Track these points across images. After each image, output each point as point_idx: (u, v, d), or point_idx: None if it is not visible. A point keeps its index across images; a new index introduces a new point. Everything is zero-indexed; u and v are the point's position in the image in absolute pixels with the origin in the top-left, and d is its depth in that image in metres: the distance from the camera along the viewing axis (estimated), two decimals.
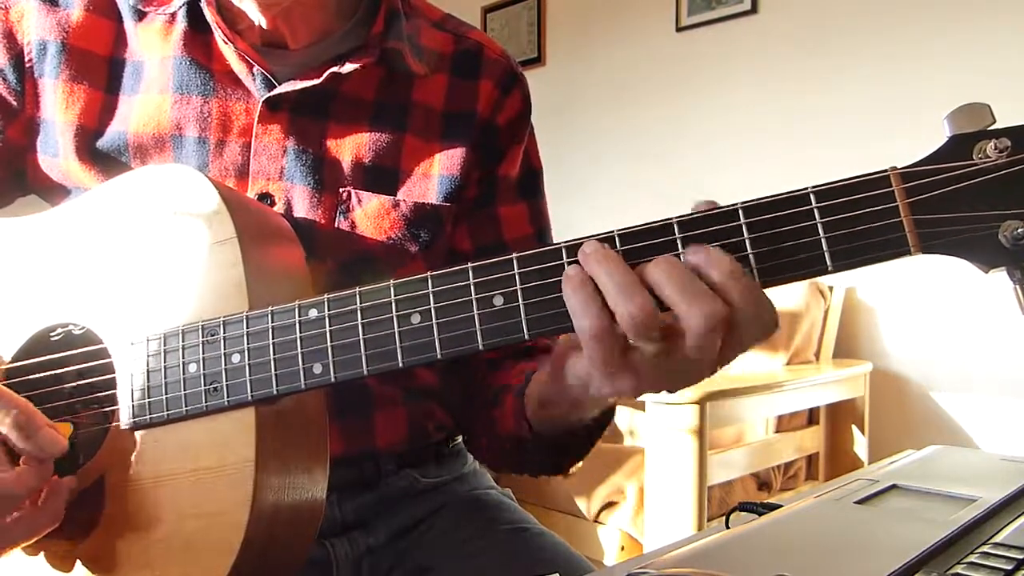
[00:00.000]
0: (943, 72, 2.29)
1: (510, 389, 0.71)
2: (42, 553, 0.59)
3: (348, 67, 0.72)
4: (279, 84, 0.72)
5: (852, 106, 2.47)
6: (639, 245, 0.48)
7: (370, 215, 0.74)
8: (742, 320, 0.46)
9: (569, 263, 0.48)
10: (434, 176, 0.77)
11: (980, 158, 0.43)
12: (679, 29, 2.90)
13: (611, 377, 0.48)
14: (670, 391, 0.51)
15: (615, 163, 3.10)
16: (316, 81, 0.71)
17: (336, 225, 0.73)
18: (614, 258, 0.47)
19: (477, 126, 0.78)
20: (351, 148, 0.74)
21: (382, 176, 0.75)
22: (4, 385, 0.62)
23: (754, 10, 2.71)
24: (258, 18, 0.72)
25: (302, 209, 0.72)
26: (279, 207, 0.72)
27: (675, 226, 0.47)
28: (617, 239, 0.48)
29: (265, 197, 0.72)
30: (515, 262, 0.49)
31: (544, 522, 0.83)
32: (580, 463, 0.74)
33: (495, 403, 0.74)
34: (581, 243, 0.48)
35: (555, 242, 0.63)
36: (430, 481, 0.82)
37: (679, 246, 0.47)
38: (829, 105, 2.52)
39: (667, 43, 2.94)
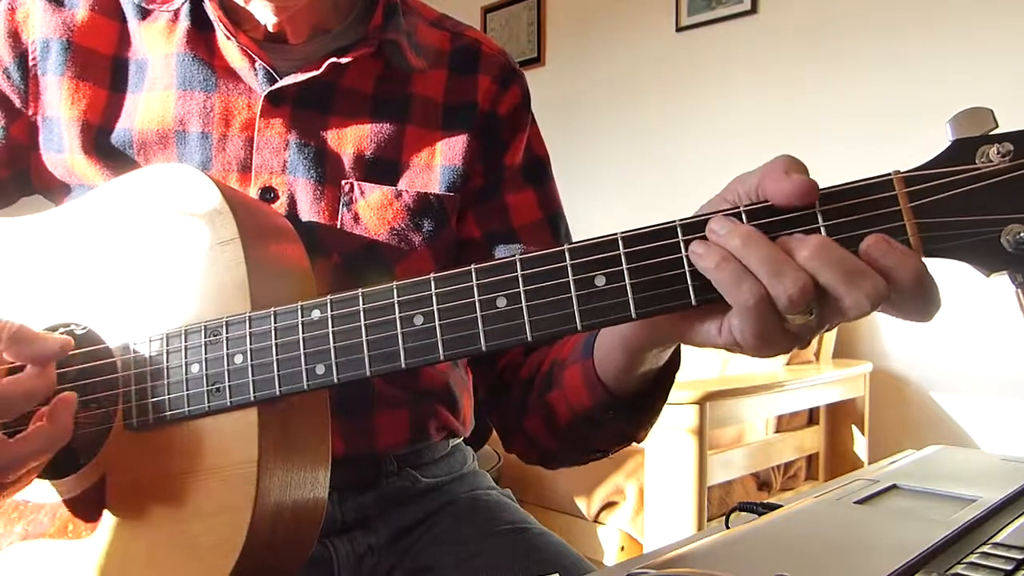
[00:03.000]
0: (944, 72, 2.29)
1: (566, 362, 0.68)
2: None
3: (347, 58, 0.72)
4: (280, 79, 0.72)
5: (852, 106, 2.47)
6: (640, 248, 0.47)
7: (373, 206, 0.74)
8: (902, 295, 0.44)
9: (574, 265, 0.48)
10: (436, 167, 0.77)
11: (983, 162, 0.43)
12: (679, 29, 2.91)
13: (767, 344, 0.46)
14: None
15: (615, 163, 3.11)
16: (316, 72, 0.72)
17: (339, 217, 0.73)
18: (755, 235, 0.45)
19: (478, 116, 0.79)
20: (353, 141, 0.75)
21: (384, 168, 0.75)
22: None
23: (754, 10, 2.71)
24: (268, 19, 0.73)
25: (305, 202, 0.73)
26: (282, 201, 0.72)
27: (678, 229, 0.47)
28: (620, 240, 0.47)
29: (268, 191, 0.72)
30: (518, 264, 0.49)
31: (544, 522, 0.83)
32: (651, 427, 0.70)
33: (549, 386, 0.71)
34: (584, 245, 0.48)
35: (561, 241, 0.62)
36: (431, 481, 0.82)
37: (682, 249, 0.46)
38: (829, 105, 2.52)
39: (667, 43, 2.94)
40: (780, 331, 0.45)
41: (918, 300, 0.44)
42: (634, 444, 0.72)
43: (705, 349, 0.51)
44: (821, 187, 0.45)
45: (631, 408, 0.65)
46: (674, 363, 0.62)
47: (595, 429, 0.68)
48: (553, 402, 0.70)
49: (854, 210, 0.45)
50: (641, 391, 0.63)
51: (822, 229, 0.45)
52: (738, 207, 0.47)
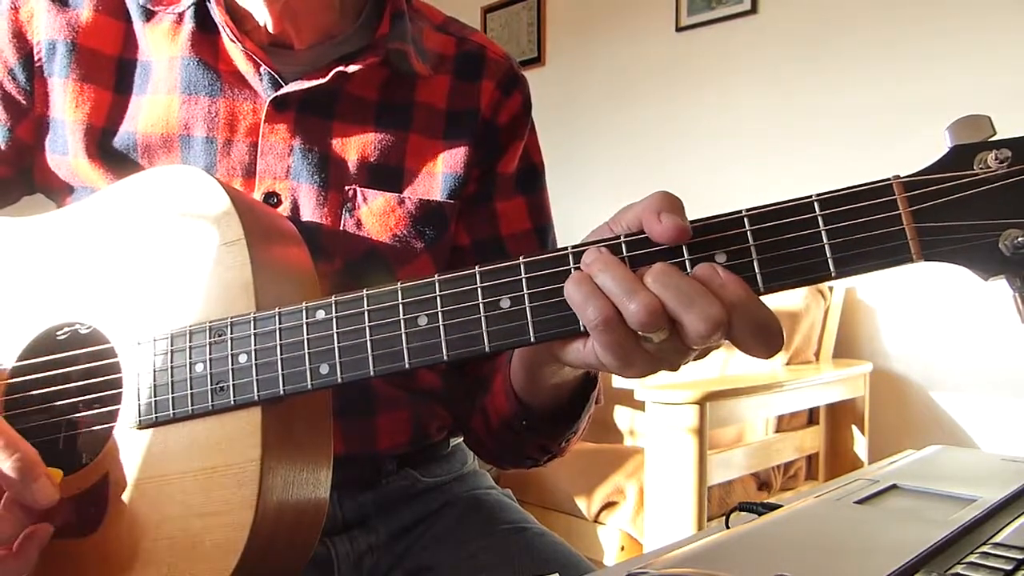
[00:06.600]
0: (944, 72, 2.29)
1: (497, 368, 0.71)
2: None
3: (353, 67, 0.72)
4: (285, 84, 0.72)
5: (852, 106, 2.47)
6: (645, 252, 0.48)
7: (376, 213, 0.74)
8: (737, 321, 0.46)
9: (576, 268, 0.48)
10: (438, 174, 0.77)
11: (981, 168, 0.43)
12: (679, 29, 2.91)
13: (626, 364, 0.48)
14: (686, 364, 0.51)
15: (615, 163, 3.11)
16: (322, 80, 0.72)
17: (342, 223, 0.73)
18: (614, 262, 0.47)
19: (479, 124, 0.79)
20: (356, 147, 0.75)
21: (387, 175, 0.76)
22: (9, 384, 0.63)
23: (754, 10, 2.71)
24: (264, 17, 0.73)
25: (308, 207, 0.73)
26: (285, 206, 0.72)
27: None
28: (623, 246, 0.48)
29: (272, 196, 0.72)
30: (522, 266, 0.49)
31: (544, 522, 0.83)
32: (571, 443, 0.72)
33: (486, 389, 0.74)
34: (589, 246, 0.49)
35: (559, 244, 0.63)
36: (431, 481, 0.82)
37: (684, 253, 0.47)
38: (829, 105, 2.52)
39: (667, 43, 2.94)
40: (638, 351, 0.47)
41: (753, 327, 0.46)
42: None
43: (581, 367, 0.53)
44: (823, 191, 0.46)
45: (545, 422, 0.67)
46: (587, 387, 0.64)
47: (516, 437, 0.70)
48: (487, 405, 0.73)
49: (854, 214, 0.45)
50: (555, 408, 0.65)
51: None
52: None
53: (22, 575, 0.54)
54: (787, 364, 2.30)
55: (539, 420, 0.67)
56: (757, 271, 0.46)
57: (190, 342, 0.56)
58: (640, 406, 1.97)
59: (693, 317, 0.44)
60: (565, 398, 0.64)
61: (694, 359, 0.50)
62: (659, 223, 0.47)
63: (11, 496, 0.54)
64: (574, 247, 0.49)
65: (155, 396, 0.56)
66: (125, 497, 0.57)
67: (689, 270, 0.47)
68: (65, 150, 0.73)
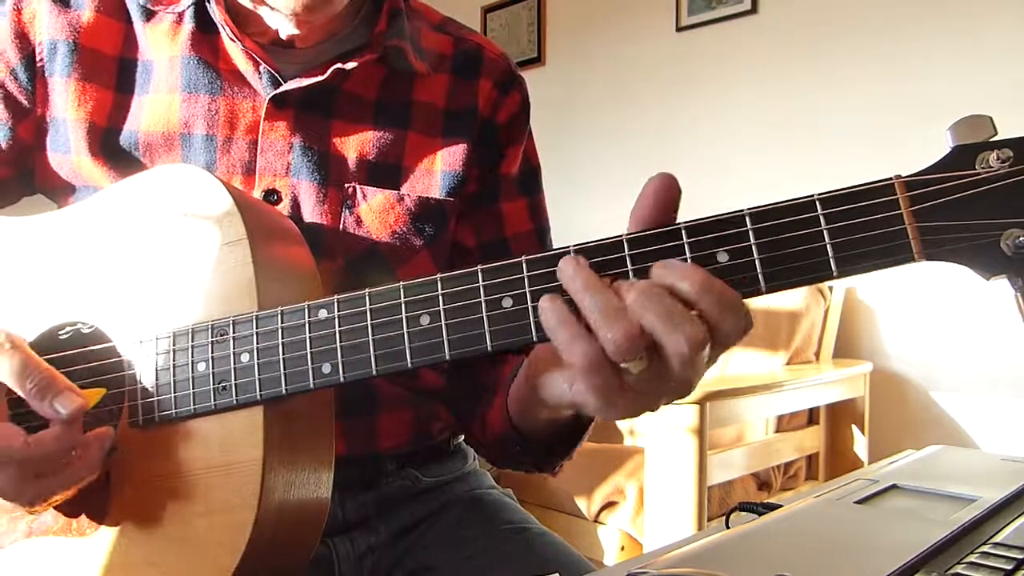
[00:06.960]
0: (944, 72, 2.29)
1: (498, 386, 0.72)
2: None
3: (351, 64, 0.73)
4: (285, 82, 0.72)
5: (852, 106, 2.47)
6: (646, 250, 0.48)
7: (375, 210, 0.74)
8: (722, 332, 0.45)
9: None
10: (437, 172, 0.78)
11: (983, 168, 0.43)
12: (679, 29, 2.91)
13: (608, 403, 0.47)
14: (666, 404, 0.49)
15: (615, 163, 3.11)
16: (320, 78, 0.72)
17: (342, 220, 0.74)
18: (596, 283, 0.46)
19: (477, 123, 0.80)
20: (355, 145, 0.75)
21: (386, 172, 0.76)
22: None
23: (754, 10, 2.71)
24: (283, 28, 0.73)
25: (308, 205, 0.73)
26: (285, 203, 0.73)
27: (682, 231, 0.47)
28: (625, 243, 0.48)
29: (272, 193, 0.73)
30: (524, 265, 0.49)
31: (544, 522, 0.83)
32: (567, 459, 0.72)
33: (488, 403, 0.74)
34: (590, 246, 0.48)
35: (556, 245, 0.63)
36: (431, 480, 0.82)
37: (686, 251, 0.47)
38: (829, 105, 2.52)
39: (667, 43, 2.94)
40: (619, 389, 0.46)
41: (730, 324, 0.45)
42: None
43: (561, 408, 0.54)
44: (823, 191, 0.46)
45: (540, 451, 0.67)
46: (583, 422, 0.64)
47: (508, 455, 0.71)
48: (486, 417, 0.74)
49: (856, 213, 0.45)
50: (550, 439, 0.65)
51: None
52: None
53: (91, 477, 0.55)
54: (787, 364, 2.30)
55: (534, 448, 0.67)
56: (759, 270, 0.46)
57: (192, 341, 0.56)
58: None
59: (679, 337, 0.44)
60: (561, 431, 0.65)
61: (673, 398, 0.48)
62: (645, 192, 0.47)
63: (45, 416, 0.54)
64: (575, 247, 0.49)
65: (157, 395, 0.56)
66: (127, 496, 0.57)
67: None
68: (68, 149, 0.73)
